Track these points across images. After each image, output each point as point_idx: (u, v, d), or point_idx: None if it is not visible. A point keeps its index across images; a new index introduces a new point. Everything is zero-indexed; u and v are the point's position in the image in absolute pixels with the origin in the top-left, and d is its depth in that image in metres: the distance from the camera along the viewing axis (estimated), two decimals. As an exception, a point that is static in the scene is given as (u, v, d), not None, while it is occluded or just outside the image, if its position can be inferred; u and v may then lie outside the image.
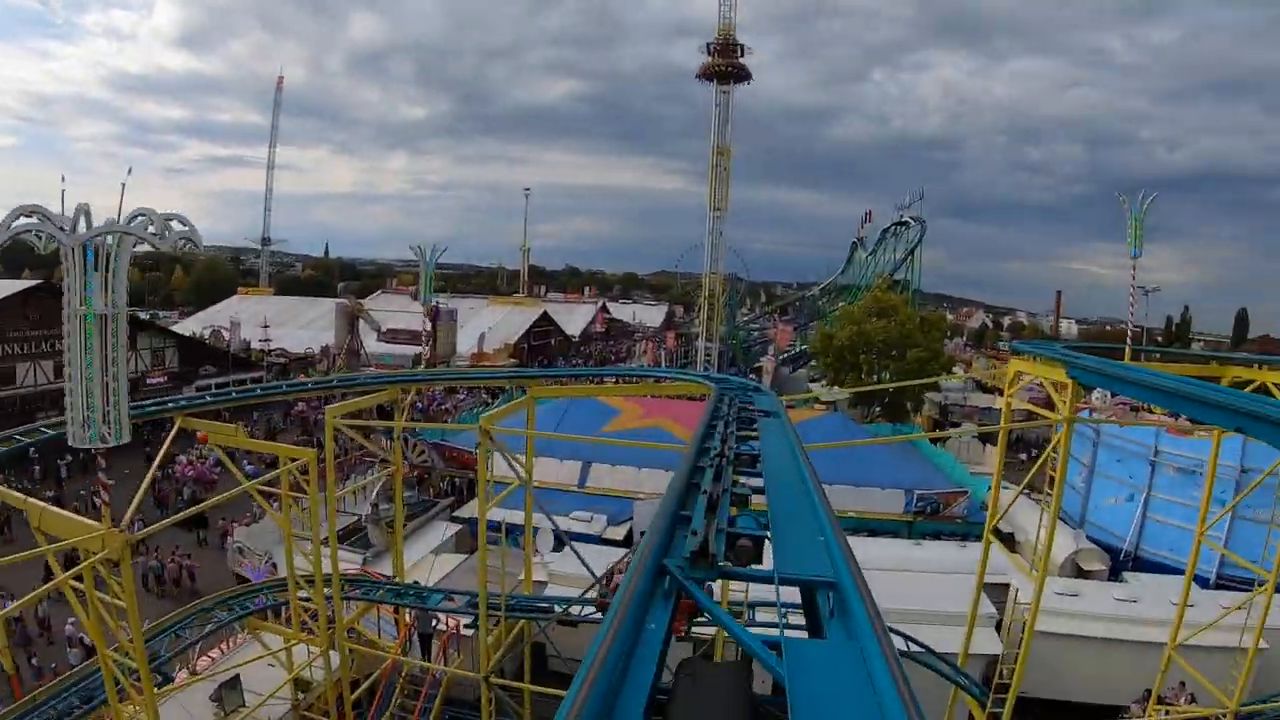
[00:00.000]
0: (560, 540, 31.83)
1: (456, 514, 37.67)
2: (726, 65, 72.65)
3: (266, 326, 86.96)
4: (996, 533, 39.64)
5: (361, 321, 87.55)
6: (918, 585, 28.62)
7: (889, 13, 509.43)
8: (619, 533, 34.62)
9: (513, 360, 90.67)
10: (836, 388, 63.66)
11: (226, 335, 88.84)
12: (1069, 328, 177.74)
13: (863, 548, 33.44)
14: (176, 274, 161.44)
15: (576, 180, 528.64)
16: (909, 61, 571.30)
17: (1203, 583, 33.48)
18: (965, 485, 40.53)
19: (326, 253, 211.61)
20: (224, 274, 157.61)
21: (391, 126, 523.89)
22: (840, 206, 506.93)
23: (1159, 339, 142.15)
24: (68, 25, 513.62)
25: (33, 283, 65.35)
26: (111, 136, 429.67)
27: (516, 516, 36.23)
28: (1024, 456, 54.73)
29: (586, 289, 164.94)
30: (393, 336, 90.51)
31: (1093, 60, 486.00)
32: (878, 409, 61.12)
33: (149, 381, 64.77)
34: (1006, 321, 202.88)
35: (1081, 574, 34.84)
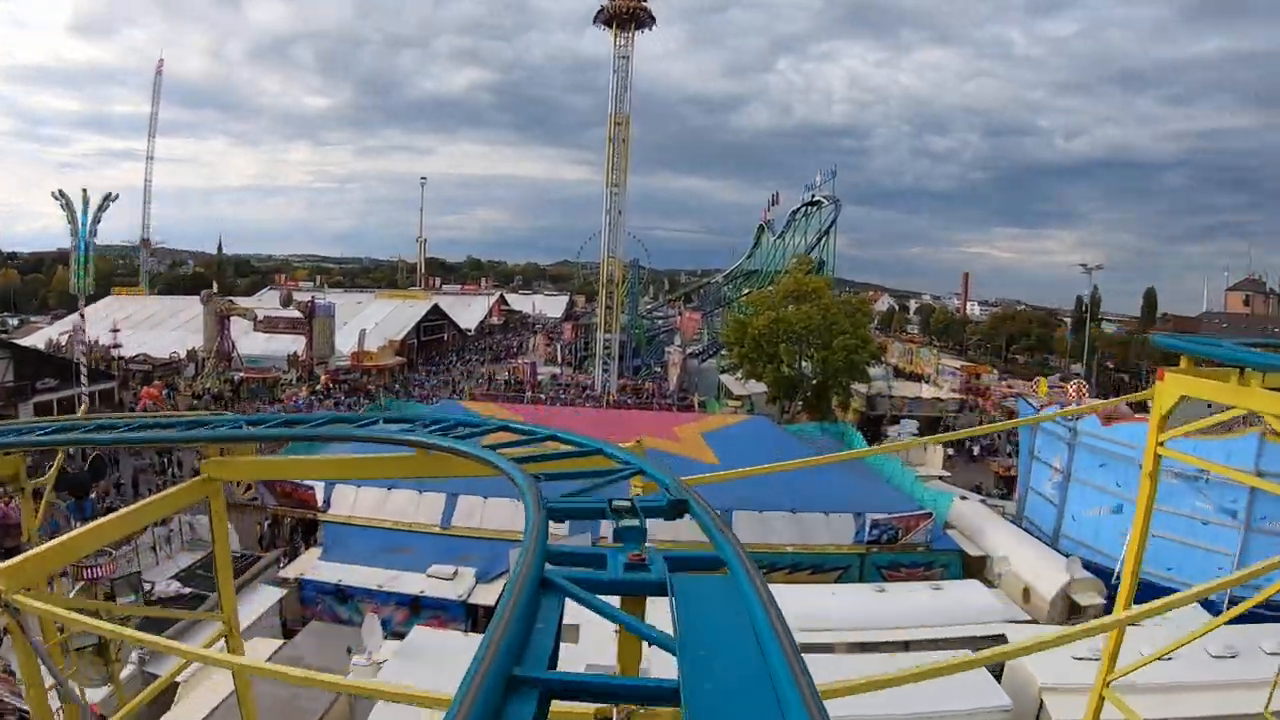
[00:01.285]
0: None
1: (285, 572, 28.28)
2: (629, 7, 63.83)
3: (117, 330, 76.68)
4: (963, 556, 32.10)
5: (233, 322, 78.14)
6: (900, 667, 20.05)
7: (798, 2, 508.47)
8: (491, 594, 25.11)
9: (399, 359, 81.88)
10: (754, 380, 55.92)
11: (83, 341, 78.10)
12: (972, 309, 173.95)
13: (813, 599, 25.08)
14: (59, 275, 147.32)
15: (481, 171, 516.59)
16: (815, 51, 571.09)
17: (1214, 611, 26.14)
18: (925, 504, 32.12)
19: (220, 248, 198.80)
20: (102, 273, 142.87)
21: (293, 117, 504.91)
22: (743, 194, 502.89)
23: (1066, 319, 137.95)
24: None
25: None
26: (5, 131, 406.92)
27: (360, 575, 27.42)
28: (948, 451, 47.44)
29: (484, 280, 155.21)
30: (270, 326, 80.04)
31: (994, 52, 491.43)
32: (799, 405, 53.01)
33: None
34: (914, 305, 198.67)
35: (1075, 610, 26.96)
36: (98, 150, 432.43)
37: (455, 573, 25.65)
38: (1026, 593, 27.25)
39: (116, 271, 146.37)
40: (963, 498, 35.04)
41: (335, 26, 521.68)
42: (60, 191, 49.75)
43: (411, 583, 25.50)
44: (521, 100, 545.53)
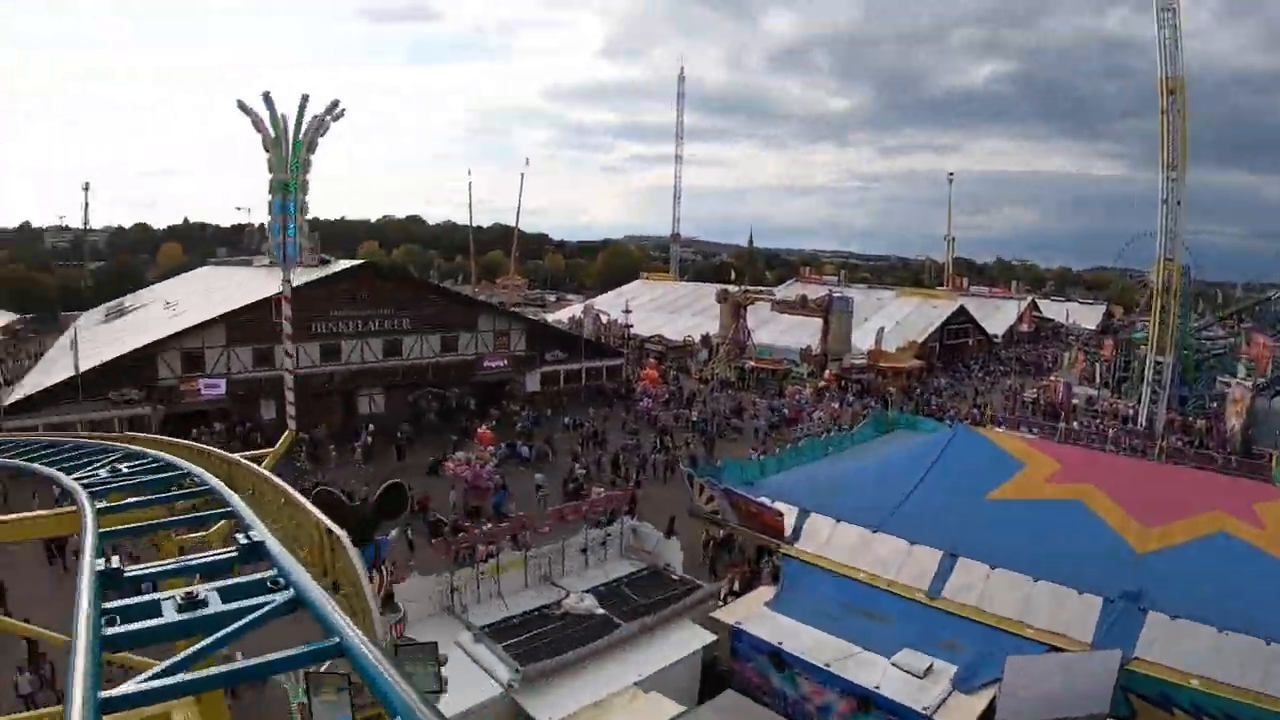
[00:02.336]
0: None
1: (721, 613, 22.65)
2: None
3: (628, 311, 78.15)
4: None
5: (750, 311, 75.98)
6: None
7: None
8: (969, 711, 17.41)
9: (918, 361, 74.70)
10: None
11: (604, 319, 79.68)
12: None
13: None
14: (597, 262, 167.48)
15: (1005, 167, 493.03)
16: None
17: None
18: None
19: (750, 241, 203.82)
20: (631, 260, 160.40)
21: (815, 119, 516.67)
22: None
23: None
24: (503, 47, 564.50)
25: (357, 262, 61.11)
26: (552, 141, 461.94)
27: (809, 641, 20.12)
28: None
29: (1015, 283, 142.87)
30: (787, 308, 77.86)
31: None
32: None
33: (485, 364, 57.56)
34: None
35: None
36: (634, 156, 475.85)
37: (930, 668, 18.39)
38: None
39: (652, 260, 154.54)
40: None
41: (848, 28, 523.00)
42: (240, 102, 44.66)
43: (869, 668, 18.61)
44: (1044, 90, 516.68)
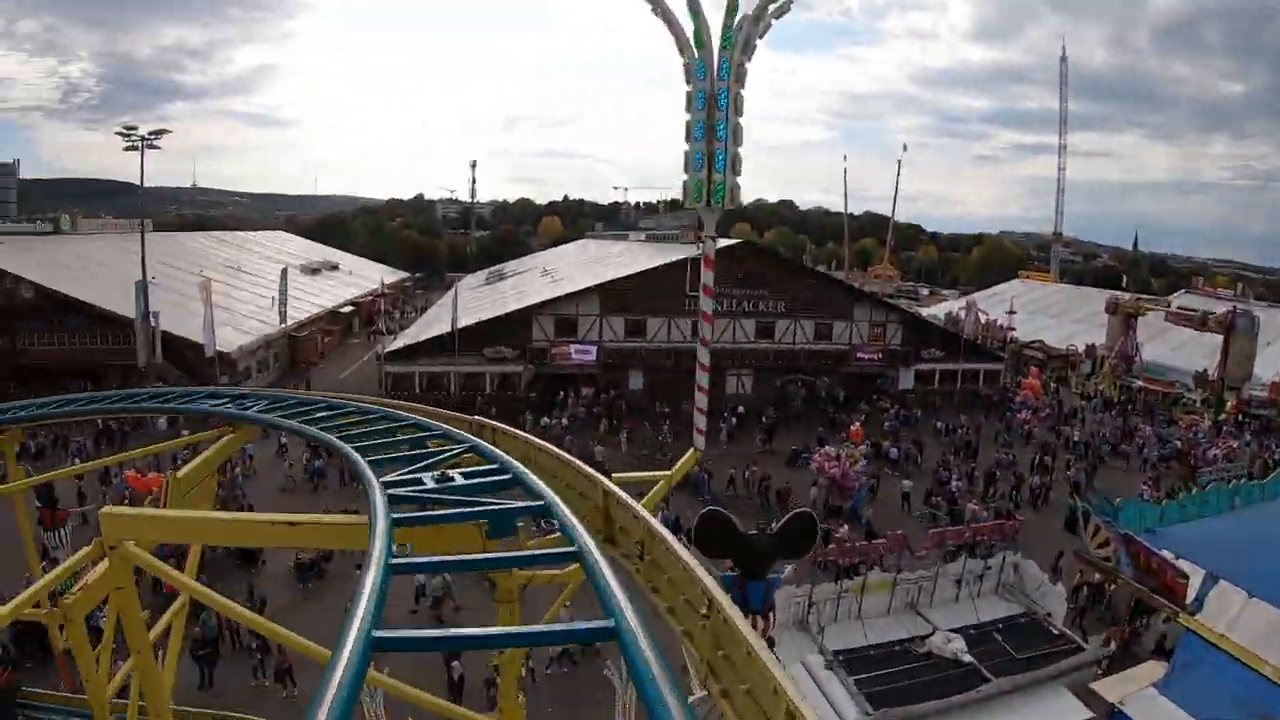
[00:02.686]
0: None
1: (1101, 685, 19.00)
2: None
3: (1012, 313, 74.63)
4: None
5: (1141, 324, 68.86)
6: None
7: None
8: None
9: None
10: None
11: (983, 319, 75.05)
12: None
13: None
14: (971, 256, 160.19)
15: None
16: None
17: None
18: None
19: (1135, 245, 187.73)
20: (1008, 256, 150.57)
21: (1208, 106, 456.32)
22: None
23: None
24: (869, 31, 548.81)
25: (735, 241, 59.79)
26: (923, 128, 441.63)
27: None
28: None
29: None
30: (1183, 320, 68.83)
31: None
32: None
33: (859, 356, 55.45)
34: None
35: None
36: (1010, 144, 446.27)
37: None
38: None
39: (1033, 259, 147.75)
40: None
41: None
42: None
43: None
44: None
